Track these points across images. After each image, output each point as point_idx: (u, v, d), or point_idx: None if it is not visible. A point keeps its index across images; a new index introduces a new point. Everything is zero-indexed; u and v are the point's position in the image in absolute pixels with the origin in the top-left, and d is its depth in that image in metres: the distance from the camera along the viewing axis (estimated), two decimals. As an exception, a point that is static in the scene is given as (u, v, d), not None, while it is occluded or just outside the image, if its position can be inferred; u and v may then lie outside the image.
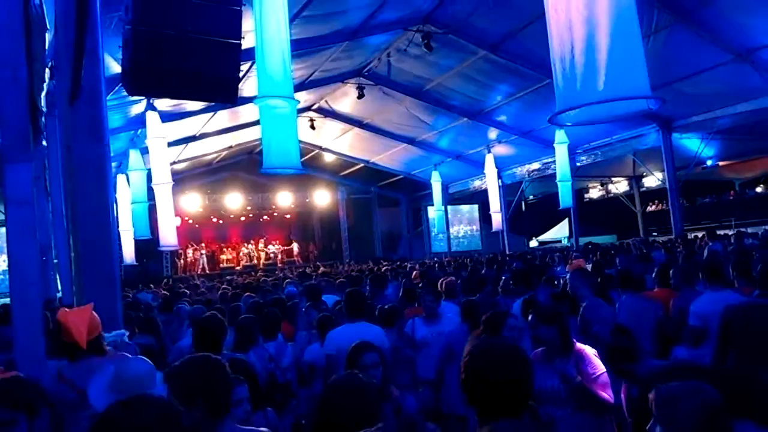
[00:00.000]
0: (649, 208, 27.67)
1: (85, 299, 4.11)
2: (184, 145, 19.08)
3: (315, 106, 19.96)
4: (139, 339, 5.35)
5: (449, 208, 26.52)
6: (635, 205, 26.39)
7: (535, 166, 21.35)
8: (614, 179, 27.12)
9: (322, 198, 28.50)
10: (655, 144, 16.74)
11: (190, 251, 26.42)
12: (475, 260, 15.35)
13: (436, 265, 14.52)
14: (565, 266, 9.60)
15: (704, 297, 4.62)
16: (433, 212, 24.84)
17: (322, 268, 18.50)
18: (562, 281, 6.95)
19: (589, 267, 8.04)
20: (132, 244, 17.57)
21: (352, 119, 20.92)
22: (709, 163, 20.83)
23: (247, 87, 12.17)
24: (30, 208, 3.44)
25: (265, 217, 29.04)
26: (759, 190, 27.01)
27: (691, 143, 17.66)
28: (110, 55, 8.16)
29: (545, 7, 5.26)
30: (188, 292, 11.71)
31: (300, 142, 13.82)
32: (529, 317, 3.84)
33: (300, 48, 12.11)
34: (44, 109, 7.86)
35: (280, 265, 26.81)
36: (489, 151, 20.58)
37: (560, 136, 17.18)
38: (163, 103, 13.43)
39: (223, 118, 17.58)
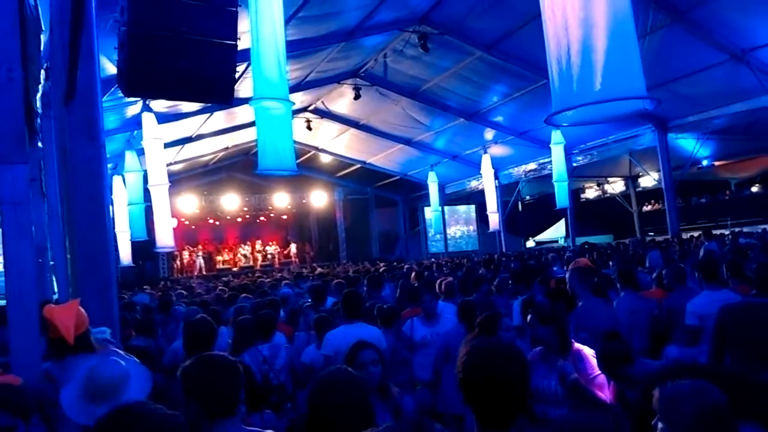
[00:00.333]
0: (645, 208, 27.74)
1: (81, 301, 4.10)
2: (181, 146, 19.06)
3: (311, 107, 19.96)
4: (135, 341, 5.34)
5: (446, 208, 26.54)
6: (631, 205, 26.46)
7: (532, 166, 21.38)
8: (610, 179, 27.18)
9: (319, 199, 28.48)
10: (651, 144, 16.79)
11: (186, 253, 26.38)
12: (472, 261, 15.35)
13: (434, 265, 14.53)
14: (562, 266, 9.61)
15: (701, 296, 4.63)
16: (430, 213, 24.87)
17: (319, 269, 18.48)
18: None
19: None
20: (128, 246, 17.54)
21: (348, 120, 20.92)
22: (704, 163, 20.90)
23: (243, 88, 12.16)
24: (26, 209, 3.44)
25: (262, 218, 29.03)
26: (754, 189, 27.12)
27: (687, 143, 17.70)
28: (106, 56, 8.14)
29: (541, 7, 5.27)
30: (184, 293, 11.70)
31: (296, 142, 13.85)
32: (528, 317, 3.85)
33: (296, 49, 12.10)
34: (40, 111, 7.84)
35: (277, 266, 26.80)
36: (485, 152, 20.60)
37: (556, 136, 17.22)
38: (159, 105, 13.40)
39: (220, 119, 17.57)
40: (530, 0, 5.87)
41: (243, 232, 29.08)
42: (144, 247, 18.04)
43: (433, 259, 20.66)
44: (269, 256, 28.25)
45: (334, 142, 23.68)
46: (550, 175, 18.52)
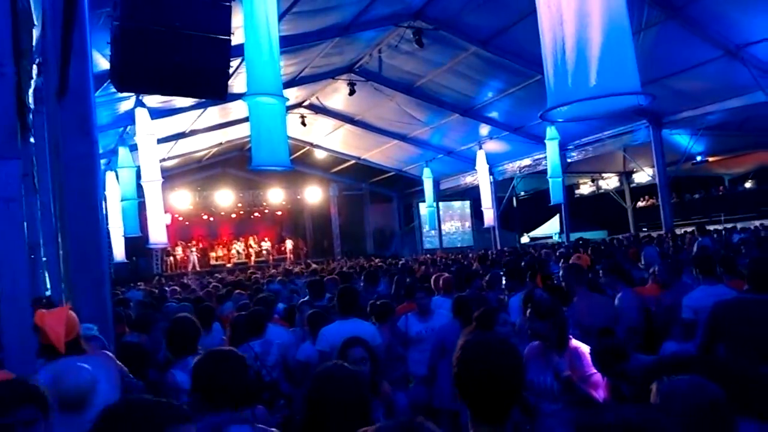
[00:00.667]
0: (639, 204, 27.86)
1: (74, 297, 4.09)
2: (174, 141, 18.99)
3: (306, 103, 19.91)
4: (129, 337, 5.33)
5: (441, 204, 26.57)
6: (625, 201, 26.55)
7: (526, 162, 21.40)
8: (605, 175, 27.26)
9: (314, 195, 28.43)
10: (645, 140, 16.81)
11: (179, 249, 26.31)
12: (467, 257, 15.37)
13: (429, 261, 14.55)
14: (556, 262, 9.64)
15: (698, 291, 4.67)
16: (425, 209, 24.86)
17: (313, 265, 18.47)
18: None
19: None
20: (122, 242, 17.48)
21: (343, 116, 20.88)
22: (698, 158, 20.97)
23: (237, 83, 12.11)
24: (18, 205, 3.41)
25: (256, 214, 28.95)
26: (748, 185, 27.25)
27: (681, 139, 17.76)
28: (98, 52, 8.09)
29: (537, 2, 5.27)
30: (178, 289, 11.67)
31: (291, 138, 13.83)
32: (527, 312, 3.85)
33: (290, 44, 12.06)
34: (32, 106, 7.80)
35: (271, 262, 26.77)
36: (480, 148, 20.62)
37: (551, 132, 17.25)
38: (153, 100, 13.34)
39: (213, 114, 17.50)
40: (525, -5, 5.86)
41: (237, 228, 29.01)
42: (137, 243, 17.98)
43: (428, 256, 20.67)
44: (264, 252, 28.21)
45: (329, 138, 23.64)
46: (544, 171, 18.56)
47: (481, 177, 21.04)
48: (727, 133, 17.76)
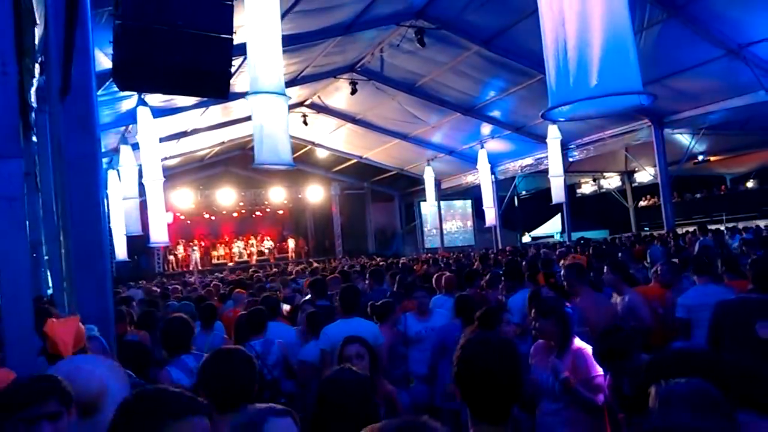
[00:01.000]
0: (641, 203, 27.83)
1: (76, 296, 4.09)
2: (176, 140, 18.99)
3: (308, 102, 19.91)
4: (130, 336, 5.34)
5: (442, 203, 26.56)
6: (627, 200, 26.53)
7: (528, 161, 21.39)
8: (606, 174, 27.23)
9: (315, 194, 28.43)
10: (647, 139, 16.80)
11: (181, 247, 26.34)
12: (469, 256, 15.36)
13: (431, 260, 14.55)
14: (557, 262, 9.62)
15: (692, 290, 4.73)
16: (427, 208, 24.84)
17: (315, 264, 18.47)
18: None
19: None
20: (124, 241, 17.49)
21: (345, 115, 20.88)
22: (700, 158, 20.94)
23: (239, 82, 12.12)
24: (20, 204, 3.42)
25: (258, 213, 28.96)
26: (750, 185, 27.20)
27: (683, 138, 17.75)
28: (101, 50, 8.10)
29: (538, 2, 5.27)
30: (179, 287, 11.70)
31: (293, 137, 13.82)
32: (532, 311, 3.86)
33: (292, 43, 12.06)
34: (34, 105, 7.82)
35: (273, 261, 26.78)
36: (482, 147, 20.62)
37: (553, 131, 17.24)
38: (155, 99, 13.34)
39: (216, 113, 17.51)
40: (527, -5, 5.86)
41: (239, 227, 29.03)
42: (139, 242, 17.99)
43: (430, 255, 20.67)
44: (265, 251, 28.22)
45: (331, 137, 23.64)
46: (546, 170, 18.56)
47: (483, 176, 21.03)
48: (728, 132, 17.75)
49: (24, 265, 3.38)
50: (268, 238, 28.92)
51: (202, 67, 3.61)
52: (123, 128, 15.44)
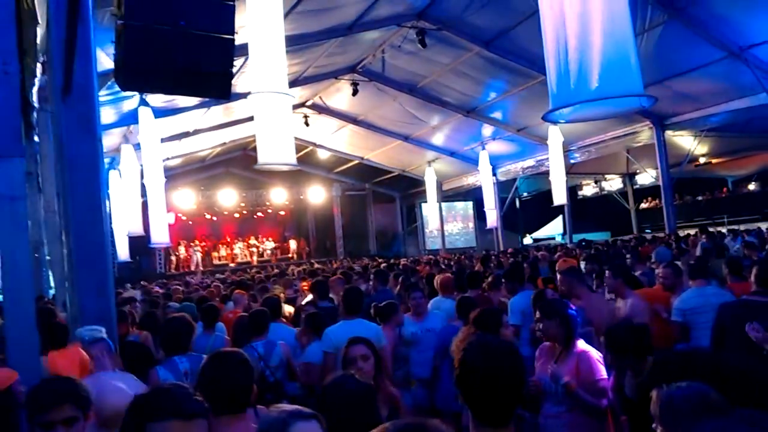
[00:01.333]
0: (642, 205, 27.79)
1: (77, 296, 4.09)
2: (178, 141, 19.00)
3: (309, 103, 19.91)
4: (132, 337, 5.35)
5: (444, 205, 26.54)
6: (628, 202, 26.50)
7: (529, 162, 21.36)
8: (608, 176, 27.19)
9: (317, 195, 28.43)
10: (648, 141, 16.79)
11: (182, 248, 26.34)
12: (471, 258, 15.35)
13: (432, 261, 14.54)
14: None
15: (687, 293, 4.73)
16: (428, 209, 24.81)
17: (316, 265, 18.47)
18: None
19: (583, 264, 8.07)
20: (125, 241, 17.50)
21: (346, 116, 20.87)
22: (702, 160, 20.91)
23: (241, 83, 12.13)
24: (22, 204, 3.42)
25: (259, 214, 28.97)
26: (751, 187, 27.13)
27: (685, 140, 17.72)
28: (102, 50, 8.11)
29: (539, 3, 5.27)
30: (180, 288, 11.70)
31: (294, 138, 13.81)
32: (537, 312, 3.86)
33: (294, 44, 12.06)
34: (36, 105, 7.83)
35: (274, 262, 26.77)
36: (483, 148, 20.61)
37: (554, 133, 17.22)
38: (156, 99, 13.36)
39: (217, 114, 17.51)
40: (529, -4, 5.86)
41: (240, 228, 29.03)
42: (141, 242, 18.00)
43: (431, 256, 20.65)
44: (267, 252, 28.22)
45: (332, 138, 23.63)
46: (547, 172, 18.54)
47: (484, 178, 21.02)
48: (730, 134, 17.71)
49: (26, 265, 3.39)
50: (270, 239, 28.92)
51: (204, 67, 3.61)
52: (125, 128, 15.45)
